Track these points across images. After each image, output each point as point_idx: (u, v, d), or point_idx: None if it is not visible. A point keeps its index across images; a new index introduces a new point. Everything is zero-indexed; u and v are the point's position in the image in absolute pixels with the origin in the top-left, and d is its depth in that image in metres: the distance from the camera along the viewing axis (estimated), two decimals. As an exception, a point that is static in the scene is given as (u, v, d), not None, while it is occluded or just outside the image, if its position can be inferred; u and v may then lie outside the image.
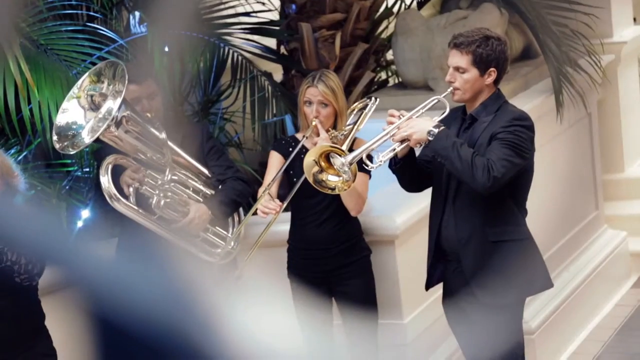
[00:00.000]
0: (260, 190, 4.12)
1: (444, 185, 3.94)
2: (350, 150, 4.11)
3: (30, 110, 4.52)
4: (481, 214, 3.84)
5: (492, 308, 3.87)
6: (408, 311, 4.68)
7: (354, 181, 3.81)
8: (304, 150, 4.15)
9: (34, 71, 4.50)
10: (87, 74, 3.96)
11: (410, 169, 3.97)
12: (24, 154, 4.90)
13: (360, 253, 4.30)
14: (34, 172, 4.90)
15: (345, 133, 4.17)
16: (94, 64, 4.54)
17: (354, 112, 4.33)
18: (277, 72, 6.26)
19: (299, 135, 4.32)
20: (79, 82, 3.95)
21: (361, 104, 4.33)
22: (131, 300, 1.94)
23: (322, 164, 3.84)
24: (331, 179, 3.85)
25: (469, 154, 3.72)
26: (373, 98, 4.33)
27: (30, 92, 4.47)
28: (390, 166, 3.96)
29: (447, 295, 4.06)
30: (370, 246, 4.39)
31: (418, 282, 4.53)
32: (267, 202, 4.02)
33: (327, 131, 4.17)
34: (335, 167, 3.79)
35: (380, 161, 3.81)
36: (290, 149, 4.23)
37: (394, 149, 3.84)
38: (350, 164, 3.78)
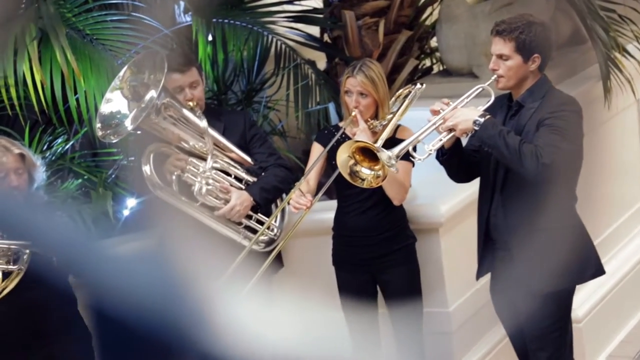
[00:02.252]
0: (298, 182, 4.12)
1: (491, 174, 3.90)
2: (393, 138, 4.09)
3: (77, 100, 4.57)
4: (530, 202, 3.80)
5: (542, 296, 3.84)
6: (453, 299, 4.66)
7: (383, 180, 3.81)
8: (346, 138, 4.14)
9: (80, 61, 4.55)
10: (127, 65, 4.00)
11: (458, 159, 3.94)
12: (71, 143, 4.96)
13: (405, 241, 4.28)
14: (81, 162, 4.96)
15: (385, 123, 4.15)
16: (138, 53, 4.57)
17: (399, 98, 4.30)
18: (321, 60, 6.25)
19: (341, 124, 4.31)
20: (120, 73, 3.99)
21: (406, 90, 4.30)
22: (130, 294, 1.95)
23: (357, 157, 3.84)
24: (364, 171, 3.85)
25: (516, 141, 3.68)
26: (418, 84, 4.29)
27: (76, 81, 4.52)
28: (437, 157, 3.93)
29: (495, 283, 4.03)
30: (415, 234, 4.37)
31: (463, 269, 4.52)
32: (298, 197, 4.02)
33: (367, 121, 4.15)
34: (382, 161, 3.78)
35: (429, 152, 3.79)
36: (332, 138, 4.22)
37: (441, 140, 3.81)
38: (398, 157, 3.77)
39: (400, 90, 4.33)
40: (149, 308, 1.93)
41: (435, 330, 4.55)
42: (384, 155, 3.76)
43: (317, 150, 4.27)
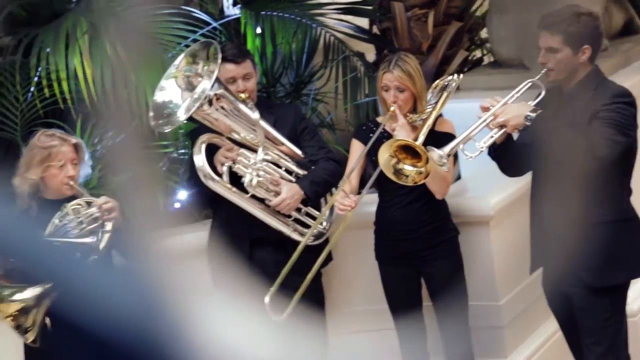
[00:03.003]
0: (341, 183, 4.12)
1: (544, 167, 3.86)
2: (433, 131, 4.05)
3: (128, 93, 4.60)
4: (585, 195, 3.75)
5: (596, 290, 3.79)
6: (503, 293, 4.62)
7: (426, 176, 3.78)
8: (385, 135, 4.12)
9: (131, 54, 4.58)
10: (183, 54, 4.03)
11: (510, 154, 3.90)
12: (122, 136, 5.00)
13: (448, 234, 4.25)
14: (132, 154, 4.99)
15: (424, 117, 4.12)
16: (188, 46, 4.59)
17: (436, 90, 4.27)
18: (370, 52, 6.22)
19: (380, 119, 4.29)
20: (177, 61, 4.02)
21: (443, 81, 4.27)
22: (104, 305, 1.90)
23: (399, 155, 3.82)
24: (407, 168, 3.83)
25: (569, 136, 3.63)
26: (455, 75, 4.26)
27: (127, 75, 4.55)
28: (488, 153, 3.90)
29: (548, 277, 3.99)
30: (465, 227, 4.33)
31: (514, 263, 4.48)
32: (343, 198, 4.01)
33: (405, 116, 4.12)
34: (434, 159, 3.76)
35: (480, 150, 3.76)
36: (371, 135, 4.20)
37: (492, 137, 3.78)
38: (449, 155, 3.75)
39: (437, 82, 4.30)
40: (127, 323, 1.88)
41: (486, 325, 4.52)
42: (435, 154, 3.74)
43: (356, 147, 4.24)
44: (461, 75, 4.25)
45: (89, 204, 3.68)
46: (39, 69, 4.66)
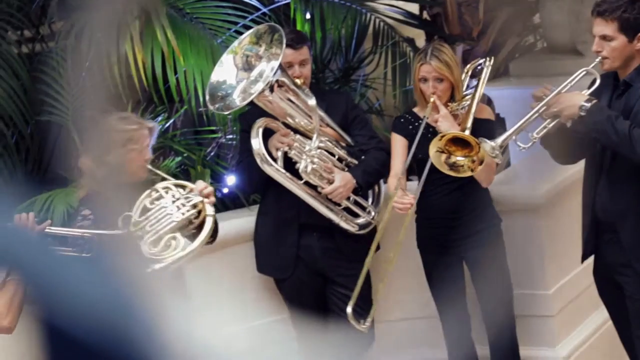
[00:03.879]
0: (390, 180, 4.09)
1: (598, 156, 3.80)
2: (473, 119, 4.01)
3: (177, 79, 4.62)
4: (638, 185, 3.69)
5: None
6: (553, 281, 4.58)
7: (481, 163, 3.75)
8: (429, 129, 4.09)
9: (180, 40, 4.60)
10: (248, 32, 4.05)
11: (562, 142, 3.84)
12: (171, 121, 5.03)
13: (490, 221, 4.22)
14: (181, 140, 5.02)
15: (465, 105, 4.08)
16: (238, 32, 4.60)
17: (468, 73, 4.24)
18: (420, 38, 6.17)
19: (416, 110, 4.26)
20: (241, 38, 4.06)
21: (473, 66, 4.24)
22: (77, 303, 1.84)
23: (449, 148, 3.79)
24: (460, 160, 3.80)
25: (625, 126, 3.57)
26: (487, 58, 4.22)
27: (176, 60, 4.57)
28: (541, 141, 3.85)
29: (599, 266, 3.94)
30: (515, 215, 4.30)
31: (564, 251, 4.43)
32: (401, 197, 3.99)
33: (446, 105, 4.09)
34: (485, 151, 3.72)
35: (533, 141, 3.72)
36: (411, 127, 4.17)
37: (545, 127, 3.74)
38: (501, 146, 3.71)
39: (468, 66, 4.26)
40: (99, 320, 1.82)
41: (535, 313, 4.49)
42: (488, 146, 3.71)
43: (398, 142, 4.20)
44: (492, 59, 4.20)
45: (177, 186, 3.68)
46: (90, 53, 4.70)
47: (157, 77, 4.60)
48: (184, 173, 4.79)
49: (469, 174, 3.85)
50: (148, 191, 3.64)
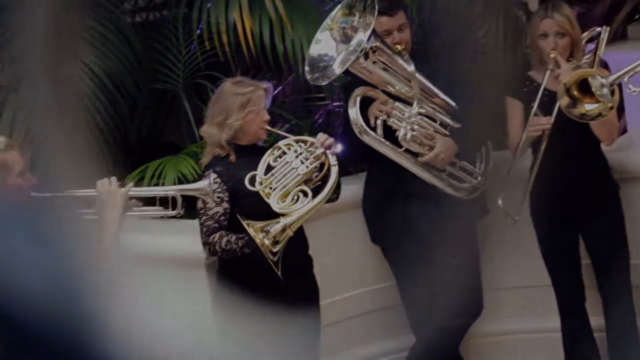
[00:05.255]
0: (511, 143, 4.04)
1: None
2: None
3: (285, 47, 4.65)
4: None
5: None
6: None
7: (612, 108, 3.63)
8: (546, 93, 3.99)
9: (288, 8, 4.62)
10: (339, 6, 4.03)
11: None
12: (280, 88, 5.07)
13: (608, 189, 4.10)
14: (290, 107, 5.06)
15: (587, 62, 3.96)
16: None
17: (583, 41, 4.12)
18: (533, 2, 6.01)
19: (532, 73, 4.15)
20: (332, 13, 4.03)
21: (590, 34, 4.11)
22: (26, 291, 1.71)
23: (575, 94, 3.69)
24: (589, 107, 3.70)
25: None
26: (604, 27, 4.10)
27: (284, 29, 4.60)
28: None
29: None
30: (630, 183, 4.18)
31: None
32: (537, 119, 3.93)
33: (568, 61, 3.98)
34: (592, 88, 3.61)
35: None
36: (525, 89, 4.09)
37: None
38: (611, 85, 3.60)
39: (585, 33, 4.14)
40: (41, 304, 1.70)
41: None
42: (597, 82, 3.60)
43: (514, 106, 4.13)
44: (608, 27, 4.06)
45: (298, 142, 3.78)
46: (201, 22, 4.77)
47: (266, 46, 4.64)
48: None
49: (602, 110, 3.74)
50: (270, 150, 3.77)
